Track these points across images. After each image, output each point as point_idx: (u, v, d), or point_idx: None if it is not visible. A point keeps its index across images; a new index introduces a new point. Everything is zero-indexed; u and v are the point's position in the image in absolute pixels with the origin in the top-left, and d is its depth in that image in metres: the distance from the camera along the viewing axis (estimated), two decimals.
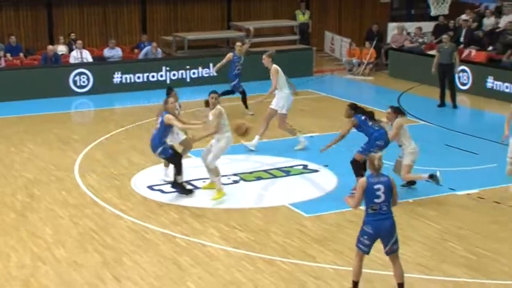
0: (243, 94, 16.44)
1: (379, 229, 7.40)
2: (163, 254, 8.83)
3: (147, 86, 19.12)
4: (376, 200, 7.32)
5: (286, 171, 11.98)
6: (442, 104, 16.82)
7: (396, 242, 7.46)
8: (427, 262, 8.56)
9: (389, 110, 10.87)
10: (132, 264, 8.54)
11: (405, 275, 7.81)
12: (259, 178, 11.63)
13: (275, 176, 11.75)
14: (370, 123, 10.67)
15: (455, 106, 16.62)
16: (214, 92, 10.76)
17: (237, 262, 8.60)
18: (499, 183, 11.23)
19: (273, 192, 11.05)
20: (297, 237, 9.31)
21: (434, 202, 10.55)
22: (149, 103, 17.68)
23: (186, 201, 10.66)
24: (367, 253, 7.57)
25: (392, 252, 7.48)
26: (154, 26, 22.69)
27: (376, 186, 7.31)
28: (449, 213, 10.16)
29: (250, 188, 11.21)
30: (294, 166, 12.29)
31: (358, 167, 10.64)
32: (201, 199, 10.76)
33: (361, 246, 7.51)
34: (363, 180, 7.51)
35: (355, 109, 10.79)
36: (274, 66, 13.41)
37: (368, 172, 7.83)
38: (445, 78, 16.70)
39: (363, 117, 10.67)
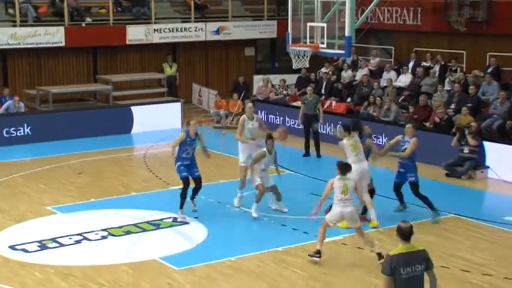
0: None
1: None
2: None
3: (9, 141, 18.36)
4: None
5: (156, 224, 11.84)
6: (307, 154, 17.39)
7: None
8: None
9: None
10: None
11: None
12: (128, 232, 11.42)
13: (145, 230, 11.58)
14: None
15: (318, 155, 17.23)
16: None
17: None
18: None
19: (143, 246, 10.86)
20: None
21: (301, 250, 10.76)
22: (12, 159, 16.97)
23: (51, 259, 10.22)
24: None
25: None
26: (17, 78, 21.96)
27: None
28: (319, 261, 10.40)
29: (119, 243, 10.96)
30: (163, 219, 12.17)
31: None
32: (67, 256, 10.37)
33: None
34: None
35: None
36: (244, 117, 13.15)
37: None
38: (310, 129, 17.32)
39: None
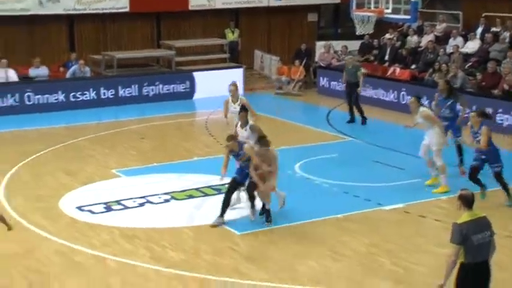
0: None
1: None
2: (93, 277, 8.66)
3: (75, 105, 18.80)
4: None
5: (218, 189, 11.94)
6: (352, 120, 17.29)
7: None
8: (357, 276, 8.69)
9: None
10: None
11: None
12: (190, 196, 11.58)
13: (207, 194, 11.72)
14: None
15: (364, 122, 17.10)
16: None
17: (168, 282, 8.51)
18: (423, 197, 11.53)
19: (205, 211, 11.00)
20: (229, 256, 9.30)
21: (362, 217, 10.73)
22: (77, 123, 17.40)
23: (116, 221, 10.50)
24: None
25: None
26: (83, 44, 22.36)
27: None
28: (377, 227, 10.36)
29: (181, 207, 11.14)
30: (225, 184, 12.25)
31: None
32: (131, 219, 10.62)
33: None
34: None
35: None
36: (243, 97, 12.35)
37: None
38: (351, 96, 17.18)
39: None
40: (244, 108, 11.38)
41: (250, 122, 11.28)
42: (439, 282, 6.53)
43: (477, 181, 11.18)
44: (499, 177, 11.15)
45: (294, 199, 11.53)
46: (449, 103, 12.59)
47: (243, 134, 11.11)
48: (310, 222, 10.50)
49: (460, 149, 12.68)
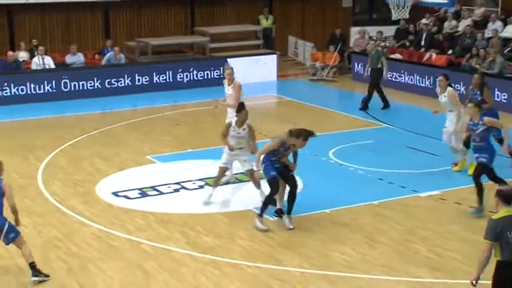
0: None
1: None
2: (129, 261, 8.77)
3: (110, 92, 18.98)
4: None
5: None
6: (386, 105, 17.19)
7: None
8: (393, 263, 8.65)
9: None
10: (98, 272, 8.46)
11: (370, 276, 7.87)
12: (225, 183, 11.62)
13: (240, 181, 11.75)
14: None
15: (385, 106, 17.03)
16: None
17: (203, 267, 8.58)
18: (459, 184, 11.41)
19: (239, 197, 11.05)
20: (263, 241, 9.33)
21: (398, 204, 10.67)
22: (113, 109, 17.61)
23: (151, 206, 10.61)
24: None
25: None
26: (118, 31, 22.53)
27: None
28: (413, 214, 10.29)
29: (215, 193, 11.18)
30: (260, 170, 12.28)
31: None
32: (166, 204, 10.72)
33: None
34: None
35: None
36: (239, 82, 11.95)
37: None
38: (378, 82, 17.09)
39: None
40: (242, 106, 10.66)
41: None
42: (471, 278, 6.44)
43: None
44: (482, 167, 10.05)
45: (328, 186, 11.52)
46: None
47: (239, 133, 10.41)
48: (345, 209, 10.48)
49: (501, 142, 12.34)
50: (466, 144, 11.60)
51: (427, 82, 18.60)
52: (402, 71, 19.25)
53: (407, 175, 11.93)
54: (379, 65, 16.96)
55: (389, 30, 22.55)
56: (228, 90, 12.02)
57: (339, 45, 21.80)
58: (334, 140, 14.10)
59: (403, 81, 18.84)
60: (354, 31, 23.37)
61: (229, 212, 10.43)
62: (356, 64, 21.24)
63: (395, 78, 19.38)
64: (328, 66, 21.39)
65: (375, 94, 17.15)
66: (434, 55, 20.06)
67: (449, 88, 11.88)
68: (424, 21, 21.75)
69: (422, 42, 20.78)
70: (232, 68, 12.45)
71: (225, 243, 9.30)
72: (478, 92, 12.44)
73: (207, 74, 20.38)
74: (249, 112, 10.62)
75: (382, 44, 21.90)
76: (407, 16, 16.78)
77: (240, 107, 10.65)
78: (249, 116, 10.63)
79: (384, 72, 16.97)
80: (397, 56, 20.92)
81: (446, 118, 12.06)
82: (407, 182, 11.49)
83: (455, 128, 11.75)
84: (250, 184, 11.33)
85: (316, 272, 8.43)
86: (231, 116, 11.27)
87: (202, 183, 11.64)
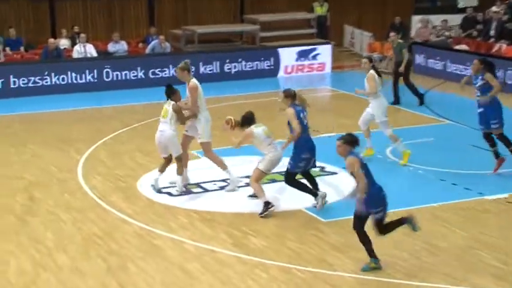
0: None
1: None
2: (171, 261, 8.88)
3: (155, 82, 19.21)
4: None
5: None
6: (421, 101, 17.16)
7: None
8: (454, 272, 8.54)
9: None
10: (138, 271, 8.59)
11: (430, 284, 7.79)
12: (273, 180, 11.65)
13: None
14: None
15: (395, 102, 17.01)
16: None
17: (250, 270, 8.62)
18: None
19: (288, 196, 11.06)
20: (314, 244, 9.33)
21: (461, 207, 10.52)
22: (157, 101, 17.77)
23: (195, 204, 10.71)
24: None
25: None
26: (163, 18, 22.78)
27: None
28: (477, 219, 10.14)
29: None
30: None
31: None
32: (211, 202, 10.81)
33: None
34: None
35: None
36: (194, 81, 11.48)
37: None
38: (407, 76, 17.06)
39: None
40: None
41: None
42: None
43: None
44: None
45: (384, 186, 11.41)
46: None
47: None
48: (403, 211, 10.36)
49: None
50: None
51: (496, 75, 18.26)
52: (468, 64, 18.92)
53: (472, 176, 11.76)
54: (402, 58, 17.00)
55: (455, 19, 22.24)
56: None
57: (399, 35, 21.56)
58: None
59: (469, 74, 18.52)
60: (416, 20, 23.13)
61: (277, 211, 10.44)
62: (418, 56, 21.02)
63: (461, 71, 19.11)
64: (387, 58, 21.21)
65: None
66: (504, 46, 19.69)
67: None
68: (494, 9, 21.35)
69: (492, 32, 20.41)
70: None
71: (273, 244, 9.33)
72: (480, 77, 11.99)
73: (257, 64, 20.48)
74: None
75: (447, 33, 21.62)
76: (475, 3, 16.55)
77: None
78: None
79: (401, 66, 16.95)
80: (463, 47, 20.62)
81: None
82: (472, 184, 11.32)
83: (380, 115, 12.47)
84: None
85: (371, 278, 8.38)
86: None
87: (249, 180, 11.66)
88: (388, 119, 12.71)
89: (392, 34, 17.91)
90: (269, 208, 10.23)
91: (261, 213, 10.24)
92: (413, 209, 10.43)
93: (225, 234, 9.65)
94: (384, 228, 8.55)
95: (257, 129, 10.57)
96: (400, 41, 17.78)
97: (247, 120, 10.67)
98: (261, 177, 10.52)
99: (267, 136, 10.57)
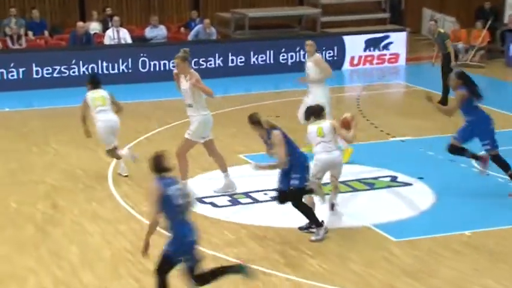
0: None
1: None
2: (216, 284, 8.91)
3: (199, 74, 19.28)
4: None
5: (370, 184, 11.94)
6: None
7: None
8: None
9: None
10: None
11: None
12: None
13: (356, 189, 11.74)
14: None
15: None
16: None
17: None
18: None
19: (353, 210, 11.03)
20: (382, 268, 9.28)
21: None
22: None
23: (243, 217, 10.75)
24: None
25: None
26: (209, 0, 22.93)
27: None
28: None
29: (324, 205, 11.20)
30: (379, 177, 12.24)
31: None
32: (263, 215, 10.84)
33: None
34: None
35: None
36: (194, 72, 11.90)
37: None
38: (443, 71, 16.82)
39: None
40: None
41: None
42: None
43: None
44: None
45: (468, 201, 11.30)
46: None
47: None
48: (489, 231, 10.26)
49: None
50: None
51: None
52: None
53: None
54: (446, 50, 16.80)
55: None
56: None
57: (489, 21, 21.32)
58: (477, 143, 13.78)
59: None
60: (510, 4, 22.81)
61: (340, 228, 10.42)
62: (511, 45, 20.74)
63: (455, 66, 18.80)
64: (474, 48, 20.97)
65: None
66: None
67: None
68: None
69: None
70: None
71: (334, 267, 9.30)
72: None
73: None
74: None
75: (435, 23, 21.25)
76: None
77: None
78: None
79: (452, 60, 16.74)
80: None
81: None
82: None
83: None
84: (367, 195, 11.31)
85: None
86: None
87: None
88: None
89: (431, 23, 17.71)
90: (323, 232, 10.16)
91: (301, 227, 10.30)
92: (502, 229, 10.34)
93: (278, 254, 9.65)
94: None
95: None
96: (442, 30, 17.56)
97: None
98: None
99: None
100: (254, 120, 10.17)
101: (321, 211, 10.60)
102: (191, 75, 11.65)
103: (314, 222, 10.08)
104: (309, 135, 10.55)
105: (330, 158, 10.32)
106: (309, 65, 13.40)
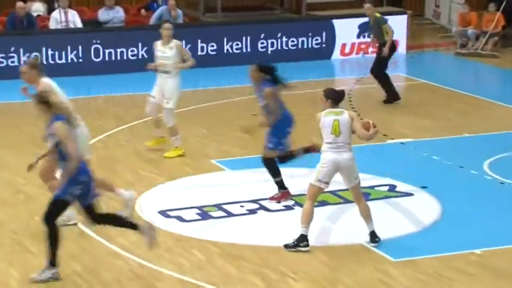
0: None
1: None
2: None
3: None
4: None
5: (365, 194, 11.91)
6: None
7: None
8: None
9: None
10: None
11: None
12: (323, 203, 11.66)
13: (347, 201, 11.75)
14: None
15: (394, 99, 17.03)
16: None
17: None
18: None
19: (345, 225, 11.07)
20: None
21: None
22: None
23: (215, 234, 10.75)
24: None
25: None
26: None
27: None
28: None
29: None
30: (375, 186, 12.29)
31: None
32: (238, 231, 10.85)
33: None
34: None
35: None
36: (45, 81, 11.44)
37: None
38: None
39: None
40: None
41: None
42: None
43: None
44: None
45: (480, 214, 11.38)
46: None
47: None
48: (503, 249, 10.34)
49: None
50: None
51: None
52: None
53: None
54: (383, 39, 16.89)
55: None
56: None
57: (503, 3, 21.48)
58: (491, 145, 13.92)
59: None
60: None
61: (329, 246, 10.46)
62: None
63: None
64: (486, 34, 21.12)
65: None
66: None
67: None
68: None
69: None
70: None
71: None
72: None
73: (303, 41, 20.51)
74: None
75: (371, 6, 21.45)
76: None
77: None
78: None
79: (384, 49, 16.83)
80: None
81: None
82: None
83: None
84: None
85: None
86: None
87: (290, 202, 11.71)
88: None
89: (367, 5, 17.55)
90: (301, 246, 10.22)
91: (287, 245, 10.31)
92: None
93: (255, 276, 9.67)
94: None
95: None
96: (378, 14, 17.46)
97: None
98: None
99: None
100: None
101: (310, 227, 10.68)
102: (40, 85, 11.05)
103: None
104: (322, 129, 10.36)
105: (338, 159, 10.12)
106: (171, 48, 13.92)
